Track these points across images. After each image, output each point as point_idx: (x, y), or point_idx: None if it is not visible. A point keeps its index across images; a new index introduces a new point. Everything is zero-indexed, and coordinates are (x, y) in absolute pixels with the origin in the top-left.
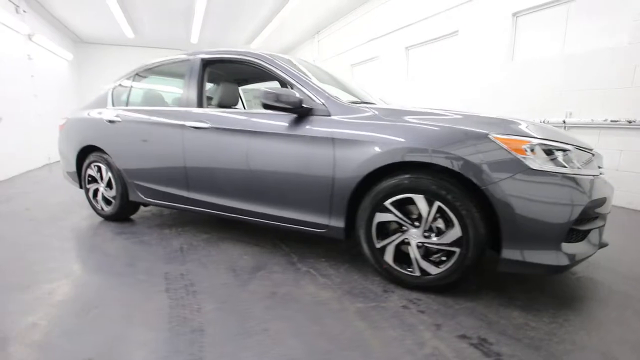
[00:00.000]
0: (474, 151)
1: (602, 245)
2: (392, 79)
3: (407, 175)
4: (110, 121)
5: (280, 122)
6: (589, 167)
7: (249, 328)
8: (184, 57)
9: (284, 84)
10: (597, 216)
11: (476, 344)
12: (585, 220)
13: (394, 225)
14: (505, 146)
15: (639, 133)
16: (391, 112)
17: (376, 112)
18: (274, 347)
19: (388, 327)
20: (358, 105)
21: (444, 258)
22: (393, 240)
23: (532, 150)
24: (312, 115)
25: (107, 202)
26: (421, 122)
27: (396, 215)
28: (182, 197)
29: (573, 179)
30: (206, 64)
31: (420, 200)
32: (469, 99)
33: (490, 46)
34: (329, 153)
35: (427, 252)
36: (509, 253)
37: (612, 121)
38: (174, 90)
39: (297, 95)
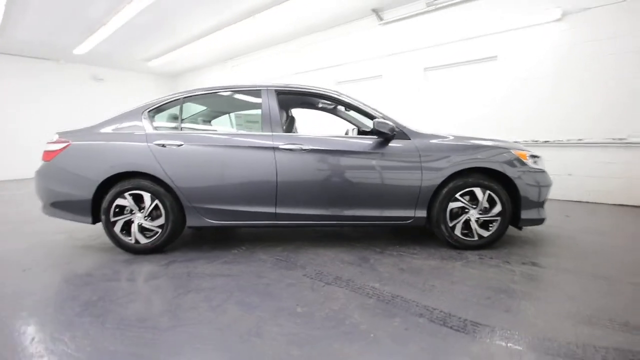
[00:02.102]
0: (507, 159)
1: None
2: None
3: (469, 176)
4: (162, 145)
5: (371, 143)
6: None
7: (421, 287)
8: (254, 88)
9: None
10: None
11: (529, 263)
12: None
13: (456, 210)
14: (518, 155)
15: None
16: (446, 136)
17: (438, 136)
18: (450, 291)
19: (486, 268)
20: (422, 131)
21: (491, 225)
22: (460, 220)
23: (530, 157)
24: (395, 138)
25: (145, 233)
26: (470, 142)
27: (463, 203)
28: (269, 213)
29: (544, 171)
30: (278, 94)
31: (478, 191)
32: None
33: (408, 90)
34: (418, 165)
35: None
36: (525, 214)
37: None
38: (230, 115)
39: (391, 124)
